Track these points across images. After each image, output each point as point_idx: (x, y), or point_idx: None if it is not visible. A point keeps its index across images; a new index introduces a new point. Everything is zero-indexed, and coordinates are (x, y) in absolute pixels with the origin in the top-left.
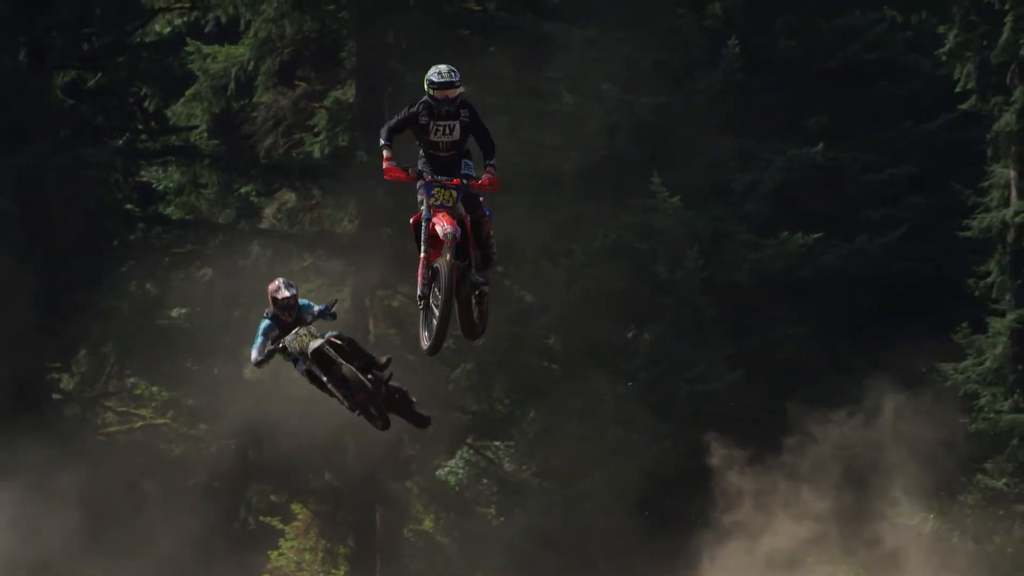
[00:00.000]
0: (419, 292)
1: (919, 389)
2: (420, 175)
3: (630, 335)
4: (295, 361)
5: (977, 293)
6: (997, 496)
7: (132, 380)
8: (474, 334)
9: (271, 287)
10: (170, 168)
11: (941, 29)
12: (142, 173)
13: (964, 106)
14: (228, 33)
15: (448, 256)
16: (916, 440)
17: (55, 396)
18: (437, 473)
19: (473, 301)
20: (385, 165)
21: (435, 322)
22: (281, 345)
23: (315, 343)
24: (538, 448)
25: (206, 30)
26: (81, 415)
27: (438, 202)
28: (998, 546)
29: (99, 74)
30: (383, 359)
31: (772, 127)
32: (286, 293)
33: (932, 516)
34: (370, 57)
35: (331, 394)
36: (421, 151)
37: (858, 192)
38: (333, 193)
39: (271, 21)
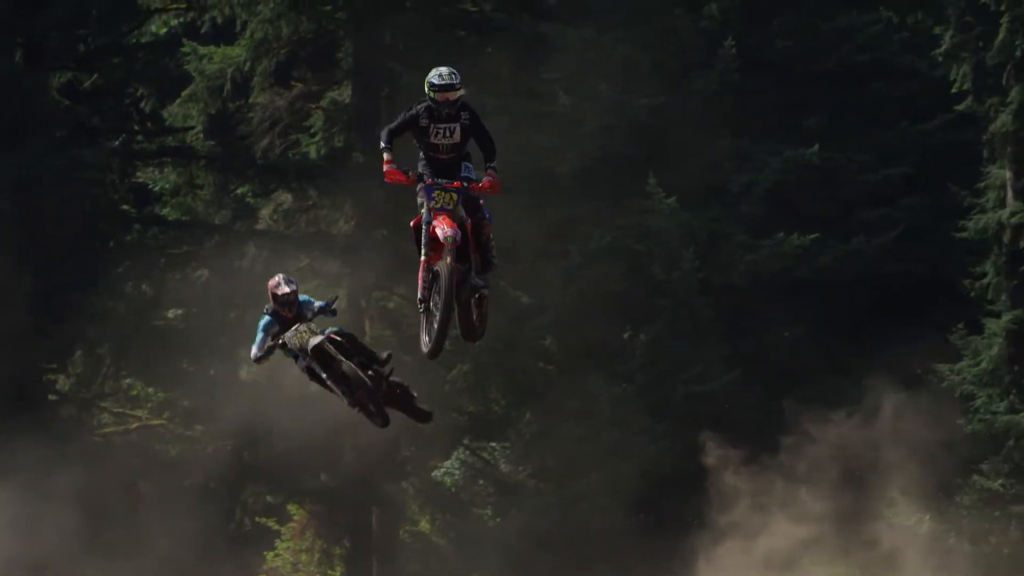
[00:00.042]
0: (419, 295)
1: (915, 390)
2: (420, 178)
3: (626, 336)
4: (295, 357)
5: (973, 294)
6: (993, 497)
7: (128, 381)
8: (474, 337)
9: (271, 283)
10: (166, 169)
11: (937, 30)
12: (138, 174)
13: (960, 107)
14: (224, 34)
15: (448, 259)
16: (913, 441)
17: (51, 397)
18: (433, 474)
19: (473, 304)
20: (386, 168)
21: (435, 325)
22: (281, 341)
23: (315, 339)
24: (534, 449)
25: (202, 31)
26: (77, 416)
27: (439, 205)
28: (994, 547)
29: (95, 75)
30: (383, 355)
31: (768, 128)
32: (286, 289)
33: (928, 517)
34: (366, 58)
35: (331, 390)
36: (421, 154)
37: (854, 193)
38: (329, 194)
39: (267, 22)
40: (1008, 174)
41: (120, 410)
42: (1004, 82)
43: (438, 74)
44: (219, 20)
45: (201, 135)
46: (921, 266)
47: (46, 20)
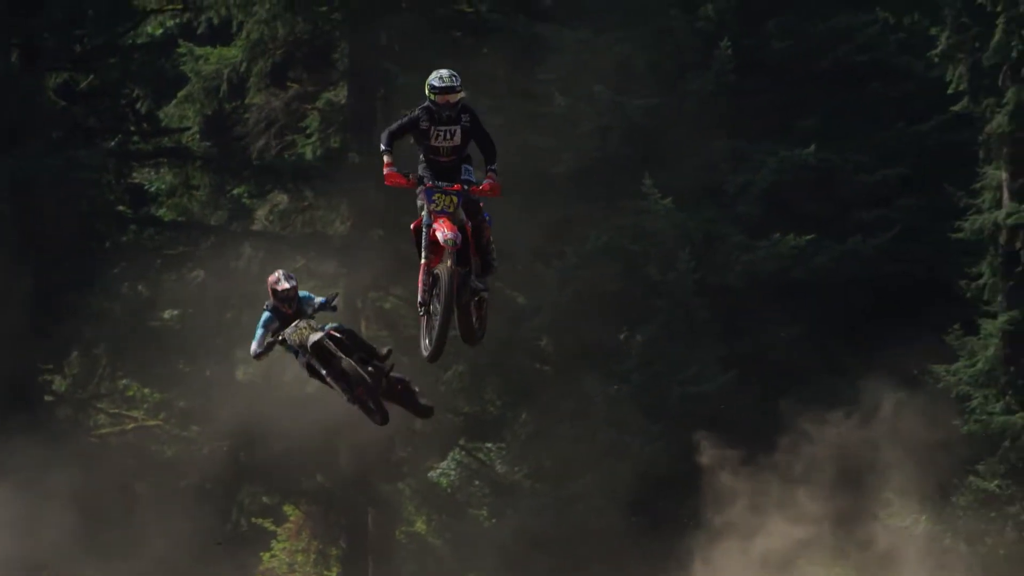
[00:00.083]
0: (419, 299)
1: (912, 391)
2: (421, 181)
3: (622, 337)
4: (295, 353)
5: (969, 295)
6: (989, 498)
7: (124, 382)
8: (474, 340)
9: (271, 279)
10: (162, 170)
11: (933, 31)
12: (134, 175)
13: (956, 108)
14: (220, 35)
15: (449, 262)
16: (909, 441)
17: (47, 398)
18: (429, 475)
19: (472, 307)
20: (386, 171)
21: (436, 329)
22: (281, 337)
23: (315, 336)
24: (530, 450)
25: (198, 32)
26: (73, 417)
27: (439, 208)
28: (990, 548)
29: (91, 76)
30: (384, 350)
31: (764, 128)
32: (286, 285)
33: (924, 517)
34: (362, 59)
35: (330, 387)
36: (421, 156)
37: (850, 193)
38: (325, 195)
39: (263, 23)
40: (1004, 175)
41: (116, 411)
42: (1000, 83)
43: (439, 76)
44: (215, 21)
45: (197, 136)
46: (917, 267)
47: (42, 21)
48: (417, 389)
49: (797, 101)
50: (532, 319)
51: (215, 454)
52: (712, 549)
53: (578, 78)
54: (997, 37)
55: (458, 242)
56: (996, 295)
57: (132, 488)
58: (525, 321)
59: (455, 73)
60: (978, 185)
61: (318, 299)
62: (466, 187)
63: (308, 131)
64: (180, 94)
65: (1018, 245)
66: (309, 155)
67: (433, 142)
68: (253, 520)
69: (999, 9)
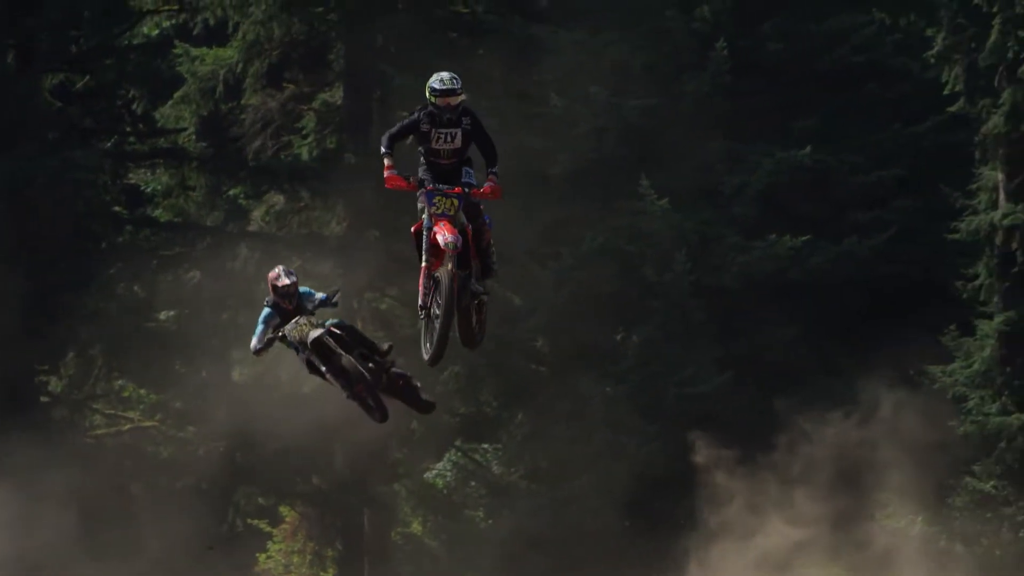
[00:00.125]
0: (420, 302)
1: (908, 392)
2: (421, 183)
3: (618, 337)
4: (296, 350)
5: (965, 296)
6: (985, 499)
7: (120, 382)
8: (473, 343)
9: (271, 275)
10: (158, 170)
11: (929, 32)
12: (130, 175)
13: (952, 108)
14: (216, 35)
15: (449, 266)
16: (905, 442)
17: (43, 399)
18: (425, 476)
19: (472, 310)
20: (386, 174)
21: (436, 332)
22: (281, 334)
23: (315, 332)
24: (526, 450)
25: (194, 32)
26: (69, 417)
27: (439, 211)
28: (986, 548)
29: (87, 76)
30: (385, 346)
31: (760, 129)
32: (286, 281)
33: (921, 518)
34: (358, 59)
35: (330, 383)
36: (422, 159)
37: (846, 194)
38: (321, 195)
39: (259, 23)
40: (1000, 176)
41: (112, 411)
42: (996, 84)
43: (439, 79)
44: (211, 22)
45: (193, 137)
46: (913, 268)
47: (38, 22)
48: (419, 384)
49: (793, 102)
50: (528, 320)
51: (211, 455)
52: (708, 550)
53: (574, 79)
54: (993, 38)
55: (459, 245)
56: (992, 296)
57: (128, 489)
58: (521, 322)
59: (456, 76)
60: (974, 186)
61: (319, 295)
62: (467, 190)
63: (304, 132)
64: (176, 95)
65: (1014, 246)
66: (305, 156)
67: (434, 145)
68: (249, 521)
69: (995, 10)
